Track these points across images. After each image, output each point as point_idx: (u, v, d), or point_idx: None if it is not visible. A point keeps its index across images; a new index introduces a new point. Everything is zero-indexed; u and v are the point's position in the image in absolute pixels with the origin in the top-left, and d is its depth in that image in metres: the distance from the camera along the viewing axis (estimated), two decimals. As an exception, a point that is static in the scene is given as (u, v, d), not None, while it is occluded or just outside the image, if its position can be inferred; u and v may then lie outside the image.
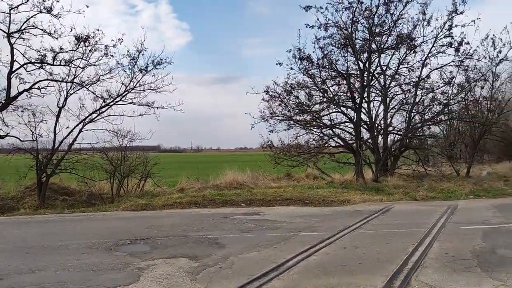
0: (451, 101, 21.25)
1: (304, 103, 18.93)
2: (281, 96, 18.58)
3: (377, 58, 20.92)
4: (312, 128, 19.27)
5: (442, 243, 7.58)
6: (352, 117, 18.53)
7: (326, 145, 19.52)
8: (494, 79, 21.57)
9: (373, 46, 17.76)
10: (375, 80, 21.60)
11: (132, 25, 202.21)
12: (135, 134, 16.66)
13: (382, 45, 17.67)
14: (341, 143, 19.13)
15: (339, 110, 18.45)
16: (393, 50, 20.52)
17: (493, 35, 20.66)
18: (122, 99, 16.52)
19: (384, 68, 21.22)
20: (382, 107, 21.52)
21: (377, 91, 21.90)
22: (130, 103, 16.79)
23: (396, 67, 20.82)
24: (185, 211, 11.89)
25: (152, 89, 16.68)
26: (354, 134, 18.56)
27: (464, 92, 21.41)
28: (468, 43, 20.35)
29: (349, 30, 16.83)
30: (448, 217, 10.42)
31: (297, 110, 18.90)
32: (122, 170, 15.55)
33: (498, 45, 20.71)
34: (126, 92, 15.88)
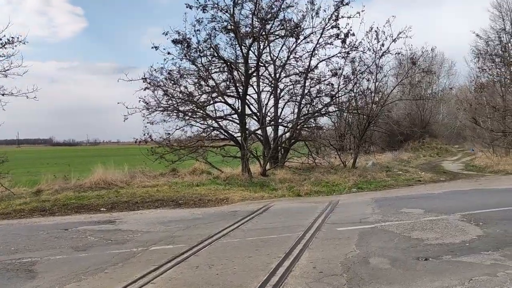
0: (339, 92, 21.13)
1: (191, 93, 17.26)
2: (166, 85, 16.69)
3: (267, 47, 20.13)
4: (196, 119, 17.68)
5: (313, 252, 6.51)
6: (238, 108, 17.29)
7: (209, 137, 18.04)
8: (378, 71, 21.84)
9: (258, 31, 16.58)
10: (264, 69, 20.76)
11: (16, 7, 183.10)
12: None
13: (267, 31, 16.54)
14: (226, 135, 17.81)
15: (222, 100, 17.06)
16: (281, 39, 19.87)
17: (377, 27, 20.84)
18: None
19: (274, 58, 20.54)
20: (272, 98, 20.85)
21: (268, 82, 21.14)
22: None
23: (286, 58, 20.20)
24: (20, 222, 9.61)
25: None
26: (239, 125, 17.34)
27: (351, 84, 21.43)
28: (353, 34, 20.29)
29: (230, 11, 15.43)
30: (326, 216, 9.57)
31: (182, 101, 17.15)
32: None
33: (381, 38, 20.93)
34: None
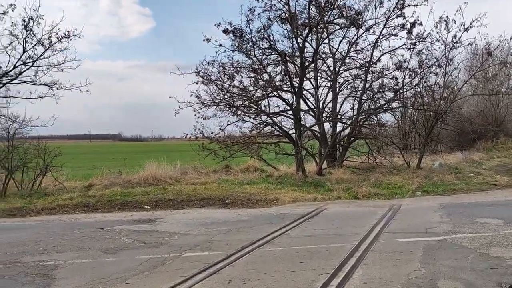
0: (403, 87, 19.53)
1: (246, 87, 16.57)
2: (219, 79, 16.10)
3: (326, 39, 19.00)
4: (249, 115, 16.95)
5: (368, 269, 5.51)
6: (292, 103, 16.33)
7: (261, 133, 17.23)
8: (448, 64, 19.92)
9: (316, 21, 15.47)
10: (322, 63, 19.64)
11: (91, 10, 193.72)
12: (28, 120, 14.00)
13: (325, 21, 15.35)
14: (280, 131, 16.91)
15: (276, 95, 16.15)
16: (341, 30, 18.63)
17: (447, 16, 18.95)
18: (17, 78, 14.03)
19: (334, 51, 19.37)
20: (330, 93, 19.70)
21: (326, 76, 20.01)
22: (24, 82, 14.22)
23: (346, 50, 18.94)
24: (60, 218, 9.36)
25: (50, 66, 14.16)
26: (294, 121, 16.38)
27: (417, 78, 19.76)
28: (421, 23, 18.56)
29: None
30: (386, 223, 8.45)
31: (235, 95, 16.49)
32: (8, 163, 12.80)
33: (452, 28, 19.04)
34: (14, 69, 13.21)
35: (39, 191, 12.80)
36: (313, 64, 18.12)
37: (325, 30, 16.63)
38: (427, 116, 22.14)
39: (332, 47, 19.39)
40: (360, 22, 16.63)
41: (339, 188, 13.78)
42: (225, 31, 14.15)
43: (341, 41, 19.00)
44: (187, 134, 15.76)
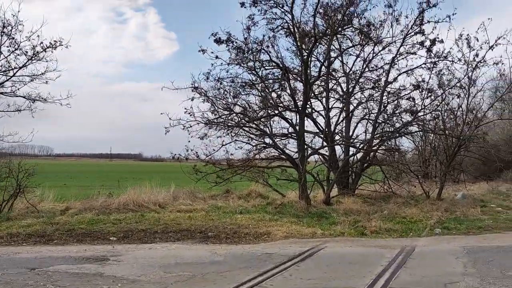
0: (424, 110, 17.75)
1: (245, 105, 15.04)
2: (218, 96, 14.60)
3: (340, 56, 17.51)
4: (250, 136, 15.40)
5: None
6: (295, 123, 14.68)
7: (260, 156, 15.60)
8: (471, 85, 18.06)
9: (322, 31, 13.91)
10: (335, 82, 18.10)
11: (119, 33, 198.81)
12: (2, 136, 12.77)
13: (334, 31, 13.71)
14: (281, 153, 15.26)
15: (277, 113, 14.53)
16: (353, 47, 17.09)
17: (468, 34, 17.19)
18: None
19: (348, 70, 17.84)
20: (340, 113, 18.07)
21: (337, 95, 18.42)
22: (2, 93, 13.10)
23: (361, 70, 17.38)
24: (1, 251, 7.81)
25: (28, 76, 13.05)
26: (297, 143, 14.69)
27: (438, 100, 17.98)
28: (442, 41, 16.98)
29: (289, 4, 12.82)
30: (394, 272, 6.65)
31: (237, 115, 14.97)
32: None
33: (474, 45, 17.27)
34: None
35: (4, 214, 11.39)
36: (320, 82, 16.64)
37: (335, 44, 15.06)
38: (449, 142, 20.26)
39: (346, 65, 17.95)
40: (372, 35, 15.08)
41: (346, 221, 11.98)
42: (217, 41, 12.70)
43: (356, 59, 17.57)
44: (175, 155, 14.18)
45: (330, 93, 17.95)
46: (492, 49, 17.01)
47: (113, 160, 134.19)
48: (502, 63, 17.12)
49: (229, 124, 14.49)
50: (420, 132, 24.30)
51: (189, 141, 14.05)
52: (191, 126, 13.72)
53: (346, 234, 10.39)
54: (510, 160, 27.65)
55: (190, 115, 13.76)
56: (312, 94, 17.22)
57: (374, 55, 17.35)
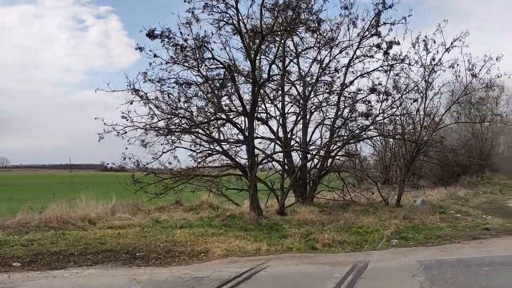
0: (382, 114, 17.10)
1: (187, 108, 13.79)
2: (159, 98, 13.27)
3: (295, 58, 16.69)
4: (196, 141, 14.18)
5: None
6: (245, 128, 13.56)
7: (205, 165, 14.39)
8: (428, 89, 17.58)
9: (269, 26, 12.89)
10: (291, 86, 17.22)
11: (80, 40, 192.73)
12: None
13: (283, 27, 12.70)
14: (230, 162, 14.11)
15: (223, 117, 13.38)
16: (310, 49, 16.28)
17: (425, 36, 16.78)
18: None
19: (303, 73, 17.00)
20: (295, 117, 17.18)
21: (295, 100, 17.50)
22: None
23: (317, 74, 16.58)
24: None
25: None
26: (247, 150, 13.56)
27: (395, 104, 17.38)
28: (398, 43, 16.43)
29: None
30: (340, 299, 5.60)
31: (180, 118, 13.70)
32: None
33: (431, 48, 16.83)
34: None
35: None
36: (274, 85, 15.69)
37: (290, 46, 14.11)
38: (408, 147, 19.73)
39: (302, 70, 17.17)
40: (325, 35, 14.27)
41: (297, 233, 10.93)
42: (150, 35, 11.39)
43: (312, 62, 16.78)
44: (107, 164, 12.76)
45: (285, 97, 17.11)
46: (448, 52, 16.66)
47: (72, 171, 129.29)
48: (457, 65, 16.78)
49: (171, 129, 13.20)
50: (380, 137, 23.92)
51: (126, 148, 12.63)
52: (125, 132, 12.26)
53: (295, 249, 9.31)
54: (467, 165, 27.66)
55: (127, 120, 12.33)
56: (267, 98, 16.31)
57: (331, 58, 16.72)
